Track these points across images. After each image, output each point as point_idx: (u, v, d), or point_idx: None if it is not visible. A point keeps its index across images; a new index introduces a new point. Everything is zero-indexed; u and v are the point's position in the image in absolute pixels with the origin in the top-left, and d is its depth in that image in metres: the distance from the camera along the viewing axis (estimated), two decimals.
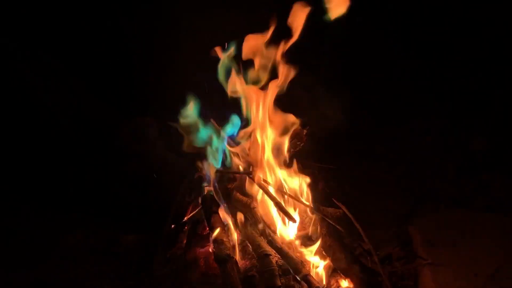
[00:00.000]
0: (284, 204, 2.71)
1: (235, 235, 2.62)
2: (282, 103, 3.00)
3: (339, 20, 2.64)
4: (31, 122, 3.80)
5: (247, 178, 2.78)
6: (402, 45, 4.14)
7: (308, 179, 2.82)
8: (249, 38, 2.77)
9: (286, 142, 2.96)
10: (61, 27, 4.04)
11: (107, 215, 3.30)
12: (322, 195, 3.00)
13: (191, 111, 2.91)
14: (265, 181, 2.72)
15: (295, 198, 2.72)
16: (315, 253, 2.53)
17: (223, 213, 2.70)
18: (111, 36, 4.17)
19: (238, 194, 2.75)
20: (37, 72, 3.87)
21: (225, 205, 2.73)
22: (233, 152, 2.89)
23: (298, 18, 2.72)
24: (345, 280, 2.45)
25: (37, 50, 3.88)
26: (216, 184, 2.86)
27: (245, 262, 2.52)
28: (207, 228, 2.68)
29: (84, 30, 4.11)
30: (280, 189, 2.75)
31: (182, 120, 2.89)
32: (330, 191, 3.13)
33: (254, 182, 2.71)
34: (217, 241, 2.45)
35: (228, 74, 2.86)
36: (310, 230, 2.65)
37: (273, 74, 2.83)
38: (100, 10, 4.11)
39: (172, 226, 2.87)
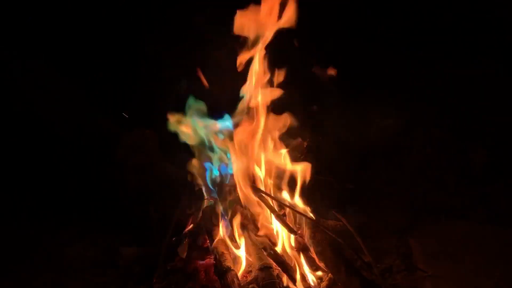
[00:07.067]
0: (285, 216, 2.72)
1: (235, 247, 2.62)
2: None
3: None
4: (31, 133, 3.81)
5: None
6: (403, 56, 4.16)
7: (308, 191, 2.83)
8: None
9: (286, 155, 2.98)
10: (62, 38, 4.06)
11: (108, 227, 3.29)
12: (322, 207, 3.00)
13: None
14: (266, 193, 2.73)
15: (296, 210, 2.72)
16: (316, 266, 2.53)
17: (223, 226, 2.71)
18: (112, 47, 4.20)
19: (238, 206, 2.76)
20: (37, 84, 3.89)
21: (226, 217, 2.73)
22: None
23: None
24: None
25: (37, 61, 3.91)
26: (216, 197, 2.87)
27: (246, 274, 2.52)
28: (208, 240, 2.69)
29: (85, 41, 4.14)
30: (280, 201, 2.76)
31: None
32: (330, 203, 3.13)
33: (255, 194, 2.72)
34: (217, 253, 2.46)
35: None
36: (310, 242, 2.65)
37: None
38: (102, 21, 4.15)
39: (173, 238, 2.87)
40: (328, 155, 3.72)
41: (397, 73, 4.20)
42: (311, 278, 2.49)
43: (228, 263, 2.38)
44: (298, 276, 2.41)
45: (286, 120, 2.91)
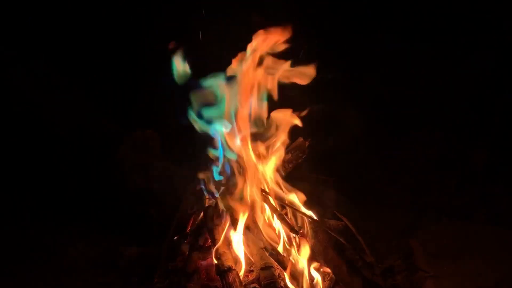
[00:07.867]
0: (287, 216, 2.72)
1: (237, 247, 2.61)
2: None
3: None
4: (32, 134, 3.81)
5: None
6: (403, 56, 4.17)
7: (309, 191, 2.82)
8: None
9: (286, 154, 2.98)
10: (62, 38, 4.06)
11: (109, 227, 3.29)
12: (324, 207, 3.00)
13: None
14: (268, 193, 2.72)
15: (298, 210, 2.72)
16: (317, 266, 2.53)
17: (225, 225, 2.70)
18: (112, 47, 4.20)
19: (240, 205, 2.75)
20: (37, 84, 3.89)
21: (227, 217, 2.72)
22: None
23: None
24: None
25: (37, 61, 3.90)
26: (218, 196, 2.86)
27: (247, 274, 2.51)
28: (209, 240, 2.68)
29: (86, 41, 4.14)
30: (282, 201, 2.75)
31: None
32: (331, 203, 3.12)
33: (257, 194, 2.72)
34: (218, 253, 2.45)
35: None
36: (311, 242, 2.64)
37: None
38: (102, 20, 4.14)
39: (174, 238, 2.87)
40: (328, 155, 3.73)
41: (396, 73, 4.21)
42: (312, 278, 2.49)
43: (230, 262, 2.37)
44: (299, 276, 2.40)
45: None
